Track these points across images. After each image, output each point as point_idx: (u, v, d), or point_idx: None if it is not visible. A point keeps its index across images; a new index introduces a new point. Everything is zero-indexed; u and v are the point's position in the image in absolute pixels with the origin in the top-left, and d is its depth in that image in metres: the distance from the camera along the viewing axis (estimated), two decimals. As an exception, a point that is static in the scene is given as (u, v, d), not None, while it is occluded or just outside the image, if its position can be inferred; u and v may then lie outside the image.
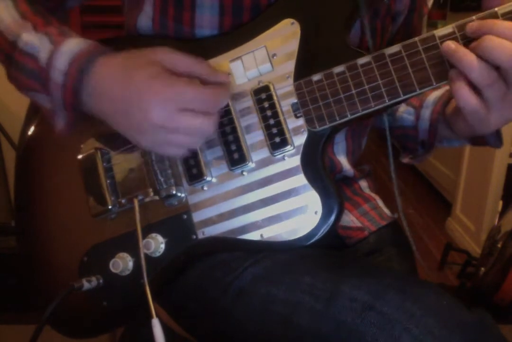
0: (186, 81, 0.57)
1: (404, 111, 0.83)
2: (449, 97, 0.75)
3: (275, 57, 0.65)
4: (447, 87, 0.76)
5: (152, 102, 0.56)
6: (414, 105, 0.82)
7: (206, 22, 0.68)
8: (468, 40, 0.55)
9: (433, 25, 2.94)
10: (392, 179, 0.65)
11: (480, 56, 0.53)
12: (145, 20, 0.73)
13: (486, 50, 0.53)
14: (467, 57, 0.54)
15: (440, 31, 0.57)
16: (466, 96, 0.55)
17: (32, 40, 0.63)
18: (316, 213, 0.62)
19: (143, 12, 0.72)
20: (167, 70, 0.58)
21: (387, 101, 0.59)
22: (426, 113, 0.78)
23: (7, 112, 1.73)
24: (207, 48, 0.68)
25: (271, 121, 0.64)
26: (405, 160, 0.82)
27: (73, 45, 0.62)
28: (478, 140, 0.75)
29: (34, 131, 0.82)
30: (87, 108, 0.62)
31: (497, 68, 0.54)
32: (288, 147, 0.63)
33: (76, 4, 0.79)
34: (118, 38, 0.78)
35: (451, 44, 0.55)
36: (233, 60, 0.66)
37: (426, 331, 0.51)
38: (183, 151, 0.61)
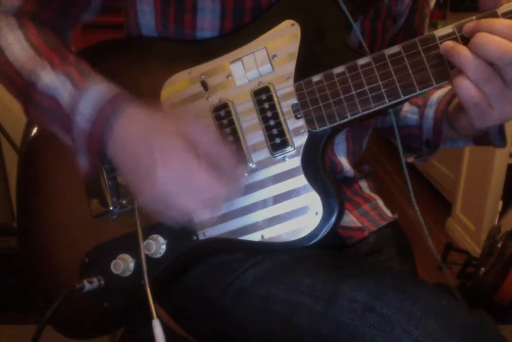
0: (202, 166, 0.56)
1: (408, 111, 0.83)
2: (453, 95, 0.75)
3: (275, 58, 0.65)
4: (450, 87, 0.76)
5: (163, 175, 0.56)
6: (418, 105, 0.82)
7: (207, 24, 0.68)
8: (467, 41, 0.55)
9: (433, 25, 2.94)
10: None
11: (475, 53, 0.53)
12: (148, 20, 0.73)
13: (478, 47, 0.53)
14: (463, 53, 0.54)
15: (440, 32, 0.57)
16: (467, 89, 0.55)
17: (53, 82, 0.62)
18: (316, 213, 0.62)
19: (144, 11, 0.72)
20: (189, 146, 0.57)
21: (387, 102, 0.59)
22: (430, 112, 0.78)
23: (8, 112, 1.73)
24: (207, 49, 0.68)
25: (272, 122, 0.64)
26: (410, 159, 0.82)
27: (98, 91, 0.61)
28: (482, 140, 0.74)
29: (36, 133, 0.82)
30: (107, 156, 0.62)
31: (492, 64, 0.54)
32: (289, 148, 0.63)
33: (88, 18, 0.78)
34: (119, 40, 0.78)
35: (449, 42, 0.55)
36: (233, 61, 0.66)
37: (426, 333, 0.51)
38: (180, 224, 0.61)
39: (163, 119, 0.61)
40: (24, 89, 0.64)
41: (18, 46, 0.66)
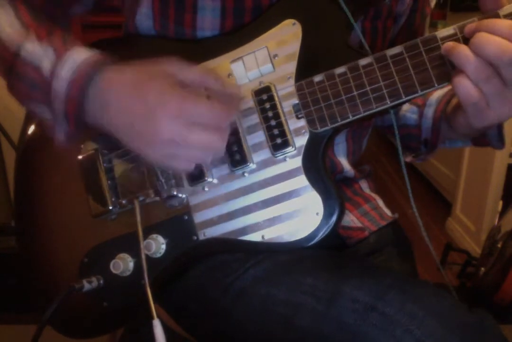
0: (196, 96, 0.56)
1: (408, 110, 0.83)
2: (452, 95, 0.75)
3: (276, 57, 0.65)
4: (450, 87, 0.76)
5: (163, 117, 0.55)
6: (418, 104, 0.82)
7: (208, 24, 0.68)
8: (469, 42, 0.55)
9: (433, 25, 2.94)
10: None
11: (475, 53, 0.53)
12: (145, 20, 0.72)
13: (478, 47, 0.53)
14: (463, 52, 0.54)
15: (442, 33, 0.57)
16: (467, 88, 0.54)
17: (35, 50, 0.62)
18: (317, 214, 0.62)
19: (143, 12, 0.72)
20: (177, 83, 0.57)
21: (388, 102, 0.59)
22: (429, 111, 0.78)
23: (8, 112, 1.73)
24: (208, 48, 0.68)
25: (273, 122, 0.64)
26: (408, 159, 0.82)
27: (77, 54, 0.61)
28: (480, 140, 0.74)
29: (34, 132, 0.82)
30: (90, 120, 0.61)
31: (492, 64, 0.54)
32: (290, 149, 0.63)
33: (81, 11, 0.77)
34: (118, 38, 0.78)
35: (450, 43, 0.55)
36: (234, 60, 0.66)
37: (427, 333, 0.51)
38: (191, 165, 0.60)
39: (146, 67, 0.60)
40: (8, 60, 0.63)
41: (7, 20, 0.65)
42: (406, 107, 0.84)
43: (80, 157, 0.75)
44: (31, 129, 0.82)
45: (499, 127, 0.71)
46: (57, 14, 0.75)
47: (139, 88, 0.57)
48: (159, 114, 0.55)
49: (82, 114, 0.61)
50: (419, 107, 0.81)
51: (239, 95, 0.64)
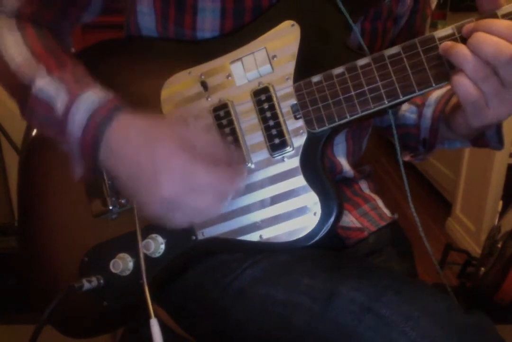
0: (203, 164, 0.57)
1: (407, 110, 0.84)
2: (451, 95, 0.75)
3: (275, 58, 0.65)
4: (449, 87, 0.76)
5: (167, 179, 0.56)
6: (417, 104, 0.82)
7: (208, 25, 0.68)
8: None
9: (433, 26, 2.94)
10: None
11: (473, 52, 0.53)
12: (148, 21, 0.73)
13: (475, 46, 0.53)
14: (462, 51, 0.54)
15: (440, 33, 0.57)
16: (466, 87, 0.55)
17: (47, 87, 0.62)
18: (315, 214, 0.62)
19: (145, 13, 0.72)
20: (188, 146, 0.58)
21: (386, 102, 0.59)
22: (428, 111, 0.78)
23: (8, 112, 1.73)
24: (208, 49, 0.68)
25: (271, 123, 0.64)
26: (406, 158, 0.82)
27: (90, 99, 0.61)
28: (479, 141, 0.75)
29: (37, 133, 0.82)
30: (101, 163, 0.62)
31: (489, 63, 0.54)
32: (288, 149, 0.64)
33: (88, 20, 0.77)
34: (120, 39, 0.78)
35: (448, 42, 0.56)
36: (233, 61, 0.66)
37: (423, 334, 0.51)
38: (183, 224, 0.61)
39: (159, 124, 0.61)
40: (20, 92, 0.64)
41: (16, 48, 0.66)
42: (405, 107, 0.84)
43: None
44: (35, 130, 0.83)
45: (498, 127, 0.71)
46: (65, 27, 0.75)
47: (149, 145, 0.58)
48: (163, 175, 0.57)
49: (96, 157, 0.61)
50: (418, 107, 0.81)
51: (244, 166, 0.65)
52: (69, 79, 0.63)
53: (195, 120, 0.63)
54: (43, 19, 0.71)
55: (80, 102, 0.61)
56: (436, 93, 0.79)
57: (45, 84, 0.62)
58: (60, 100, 0.61)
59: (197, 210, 0.58)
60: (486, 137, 0.73)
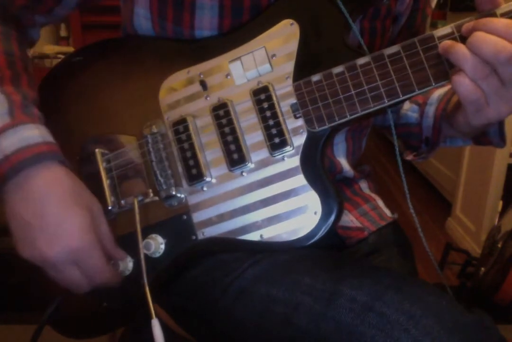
0: (101, 253, 0.62)
1: (409, 109, 0.83)
2: (453, 94, 0.75)
3: (274, 57, 0.65)
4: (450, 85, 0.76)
5: (60, 245, 0.59)
6: (418, 103, 0.82)
7: (206, 23, 0.68)
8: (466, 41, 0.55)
9: (433, 25, 2.94)
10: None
11: (472, 52, 0.53)
12: (144, 22, 0.73)
13: (474, 46, 0.53)
14: (461, 50, 0.54)
15: (439, 32, 0.57)
16: (466, 86, 0.55)
17: None
18: (315, 213, 0.62)
19: (141, 14, 0.72)
20: (93, 228, 0.61)
21: (386, 101, 0.59)
22: (430, 110, 0.78)
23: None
24: (206, 48, 0.68)
25: (271, 122, 0.64)
26: (409, 157, 0.82)
27: (30, 133, 0.60)
28: (481, 139, 0.74)
29: None
30: (2, 192, 0.61)
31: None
32: (288, 148, 0.63)
33: (65, 13, 0.76)
34: (117, 39, 0.78)
35: (447, 41, 0.56)
36: (232, 60, 0.66)
37: (425, 332, 0.51)
38: (76, 286, 0.64)
39: (80, 191, 0.63)
40: None
41: None
42: (407, 106, 0.84)
43: (79, 157, 0.75)
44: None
45: (501, 125, 0.71)
46: (34, 21, 0.74)
47: (64, 207, 0.60)
48: (63, 239, 0.59)
49: (1, 187, 0.60)
50: (420, 106, 0.81)
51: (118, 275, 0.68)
52: (18, 100, 0.62)
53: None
54: (16, 3, 0.69)
55: (17, 130, 0.59)
56: (438, 92, 0.78)
57: None
58: None
59: (68, 281, 0.63)
60: (489, 135, 0.73)
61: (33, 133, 0.60)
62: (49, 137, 0.62)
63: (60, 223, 0.59)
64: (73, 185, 0.62)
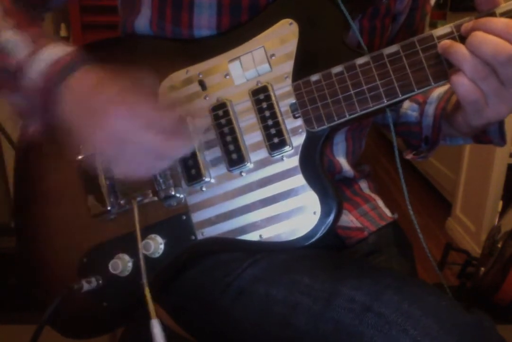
0: (154, 102, 0.59)
1: (408, 108, 0.83)
2: (452, 93, 0.75)
3: (273, 57, 0.65)
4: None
5: (119, 116, 0.57)
6: (418, 102, 0.82)
7: (204, 22, 0.68)
8: (465, 40, 0.55)
9: (433, 25, 2.94)
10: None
11: (471, 52, 0.53)
12: (143, 21, 0.73)
13: (473, 46, 0.53)
14: (460, 50, 0.54)
15: (438, 31, 0.57)
16: (465, 86, 0.55)
17: (13, 37, 0.62)
18: (314, 213, 0.62)
19: (141, 14, 0.72)
20: (145, 89, 0.59)
21: (385, 101, 0.59)
22: (430, 109, 0.78)
23: (7, 112, 1.73)
24: (205, 48, 0.68)
25: (270, 122, 0.64)
26: (409, 156, 0.82)
27: (55, 48, 0.62)
28: (482, 138, 0.74)
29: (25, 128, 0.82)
30: (58, 113, 0.61)
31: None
32: (287, 148, 0.63)
33: (59, 5, 0.78)
34: (116, 38, 0.78)
35: (446, 41, 0.55)
36: (231, 60, 0.66)
37: (424, 333, 0.51)
38: (143, 172, 0.60)
39: (118, 71, 0.60)
40: None
41: None
42: (406, 105, 0.84)
43: (79, 157, 0.75)
44: (31, 130, 0.82)
45: (501, 124, 0.71)
46: (37, 5, 0.75)
47: (101, 83, 0.59)
48: (113, 112, 0.57)
49: (52, 105, 0.61)
50: (420, 105, 0.81)
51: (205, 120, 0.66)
52: (36, 32, 0.64)
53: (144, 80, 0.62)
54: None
55: (44, 51, 0.61)
56: (438, 91, 0.78)
57: (12, 35, 0.62)
58: (23, 50, 0.62)
59: (155, 148, 0.58)
60: (489, 134, 0.73)
61: (61, 47, 0.62)
62: (72, 47, 0.63)
63: (104, 103, 0.58)
64: (103, 72, 0.61)
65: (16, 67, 0.62)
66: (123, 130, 0.57)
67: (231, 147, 0.65)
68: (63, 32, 3.59)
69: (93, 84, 0.60)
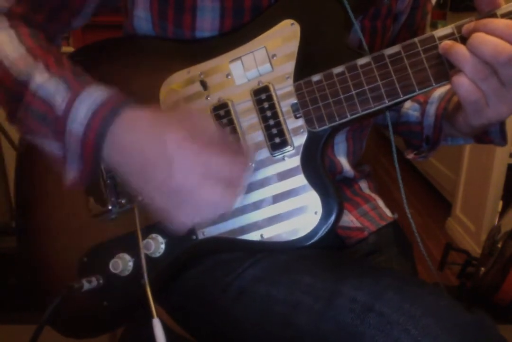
0: (215, 152, 0.55)
1: (410, 108, 0.83)
2: (454, 93, 0.75)
3: (275, 57, 0.65)
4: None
5: (179, 167, 0.54)
6: (420, 102, 0.82)
7: (207, 25, 0.68)
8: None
9: (433, 25, 2.94)
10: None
11: (472, 53, 0.54)
12: (144, 24, 0.73)
13: (474, 47, 0.53)
14: (461, 51, 0.54)
15: (440, 32, 0.57)
16: (465, 86, 0.55)
17: (47, 84, 0.59)
18: (316, 213, 0.62)
19: (141, 16, 0.72)
20: (197, 135, 0.56)
21: (387, 102, 0.59)
22: (431, 109, 0.78)
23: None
24: (207, 48, 0.68)
25: (271, 122, 0.64)
26: (410, 156, 0.82)
27: (94, 95, 0.59)
28: (483, 138, 0.75)
29: (24, 138, 0.82)
30: (104, 160, 0.59)
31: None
32: (288, 148, 0.64)
33: (80, 24, 0.76)
34: (118, 38, 0.78)
35: (448, 42, 0.56)
36: (233, 60, 0.66)
37: (424, 332, 0.51)
38: (192, 219, 0.57)
39: (166, 115, 0.59)
40: (14, 89, 0.61)
41: (10, 44, 0.63)
42: (408, 104, 0.84)
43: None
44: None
45: (502, 124, 0.71)
46: (57, 30, 0.74)
47: (157, 135, 0.56)
48: (174, 164, 0.54)
49: (99, 155, 0.59)
50: (421, 105, 0.81)
51: (251, 149, 0.64)
52: (69, 76, 0.61)
53: (196, 111, 0.61)
54: (34, 20, 0.69)
55: (83, 98, 0.58)
56: (439, 91, 0.78)
57: (45, 81, 0.60)
58: (60, 97, 0.59)
59: (212, 200, 0.55)
60: (490, 134, 0.73)
61: (96, 94, 0.59)
62: (109, 90, 0.60)
63: (161, 152, 0.55)
64: (153, 116, 0.58)
65: (55, 119, 0.59)
66: (182, 183, 0.54)
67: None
68: (63, 32, 3.59)
69: (144, 128, 0.57)
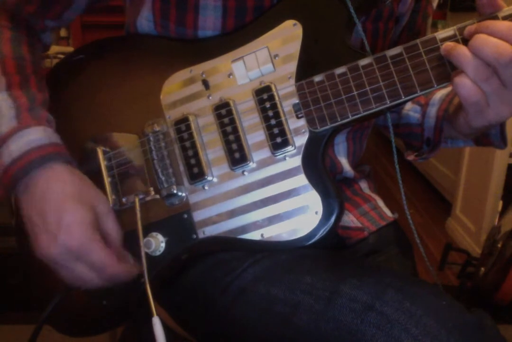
0: (103, 245, 0.61)
1: (410, 109, 0.84)
2: (455, 95, 0.75)
3: (277, 57, 0.65)
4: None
5: (62, 242, 0.59)
6: (420, 103, 0.82)
7: (210, 24, 0.68)
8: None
9: (433, 25, 2.94)
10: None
11: (474, 54, 0.54)
12: (146, 23, 0.73)
13: (476, 48, 0.53)
14: (463, 52, 0.54)
15: (442, 34, 0.57)
16: (467, 87, 0.55)
17: (0, 103, 0.63)
18: (316, 213, 0.62)
19: (143, 15, 0.72)
20: (95, 224, 0.62)
21: (388, 102, 0.59)
22: (432, 111, 0.78)
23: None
24: (209, 48, 0.68)
25: (273, 122, 0.64)
26: (410, 157, 0.82)
27: (36, 135, 0.62)
28: (483, 140, 0.75)
29: None
30: (15, 194, 0.63)
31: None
32: (289, 148, 0.64)
33: (73, 17, 0.77)
34: (120, 37, 0.78)
35: (450, 43, 0.56)
36: (235, 60, 0.67)
37: (425, 331, 0.51)
38: (77, 284, 0.63)
39: (83, 189, 0.63)
40: None
41: None
42: (408, 106, 0.84)
43: (81, 155, 0.75)
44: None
45: (502, 126, 0.71)
46: (44, 26, 0.75)
47: (66, 201, 0.61)
48: (61, 237, 0.59)
49: (12, 188, 0.62)
50: (422, 107, 0.81)
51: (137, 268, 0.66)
52: (24, 105, 0.63)
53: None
54: (25, 11, 0.71)
55: (23, 135, 0.61)
56: (440, 92, 0.79)
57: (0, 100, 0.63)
58: (6, 123, 0.62)
59: (78, 277, 0.62)
60: (489, 136, 0.73)
61: (39, 136, 0.62)
62: (55, 139, 0.64)
63: (59, 220, 0.60)
64: (76, 183, 0.63)
65: None
66: (57, 256, 0.60)
67: (234, 146, 0.65)
68: (62, 32, 3.59)
69: (54, 192, 0.61)
